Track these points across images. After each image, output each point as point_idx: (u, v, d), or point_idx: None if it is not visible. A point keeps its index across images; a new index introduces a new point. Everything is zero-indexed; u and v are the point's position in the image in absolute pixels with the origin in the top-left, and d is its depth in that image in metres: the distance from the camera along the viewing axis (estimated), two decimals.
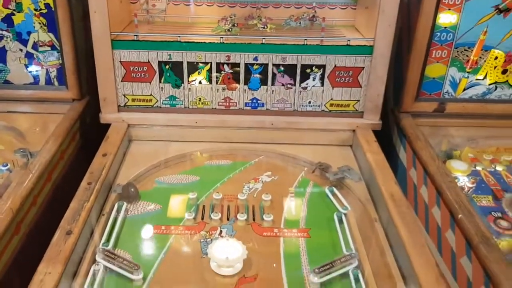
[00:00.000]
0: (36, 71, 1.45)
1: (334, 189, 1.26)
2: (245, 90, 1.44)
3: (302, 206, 1.22)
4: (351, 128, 1.47)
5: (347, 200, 1.21)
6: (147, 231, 1.10)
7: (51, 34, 1.41)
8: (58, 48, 1.42)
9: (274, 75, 1.42)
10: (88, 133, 1.52)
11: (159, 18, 1.56)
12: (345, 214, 1.16)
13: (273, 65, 1.41)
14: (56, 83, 1.47)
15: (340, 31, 1.52)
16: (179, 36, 1.37)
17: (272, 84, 1.43)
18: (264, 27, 1.45)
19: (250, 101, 1.45)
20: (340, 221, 1.15)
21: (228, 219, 1.13)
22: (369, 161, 1.30)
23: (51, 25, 1.39)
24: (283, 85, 1.44)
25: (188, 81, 1.42)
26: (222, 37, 1.38)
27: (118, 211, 1.14)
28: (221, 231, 1.09)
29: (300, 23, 1.48)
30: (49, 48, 1.43)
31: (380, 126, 1.47)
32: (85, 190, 1.12)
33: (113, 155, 1.28)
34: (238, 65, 1.40)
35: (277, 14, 1.54)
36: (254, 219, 1.14)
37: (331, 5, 1.56)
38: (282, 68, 1.41)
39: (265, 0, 1.53)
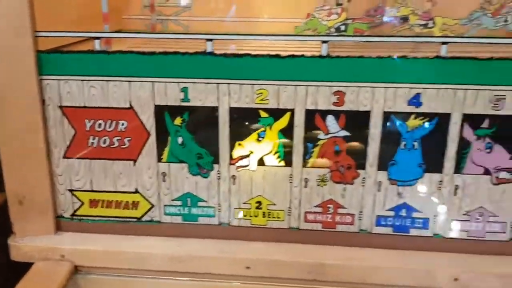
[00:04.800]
0: None
1: None
2: (380, 183, 0.54)
3: None
4: None
5: None
6: None
7: None
8: None
9: (465, 145, 0.51)
10: None
11: (176, 23, 0.73)
12: None
13: (464, 119, 0.51)
14: None
15: None
16: (210, 39, 0.51)
17: (459, 169, 0.53)
18: (426, 25, 0.57)
19: (393, 214, 0.55)
20: None
21: None
22: None
23: None
24: (487, 173, 0.52)
25: (231, 158, 0.54)
26: (326, 42, 0.50)
27: None
28: None
29: (507, 20, 0.60)
30: None
31: None
32: None
33: None
34: (363, 116, 0.51)
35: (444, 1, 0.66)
36: None
37: None
38: (489, 128, 0.51)
39: None
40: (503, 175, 0.53)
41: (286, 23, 0.71)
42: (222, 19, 0.75)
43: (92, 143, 0.57)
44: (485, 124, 0.51)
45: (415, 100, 0.51)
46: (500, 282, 0.53)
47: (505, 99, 0.50)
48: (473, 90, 0.50)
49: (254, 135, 0.55)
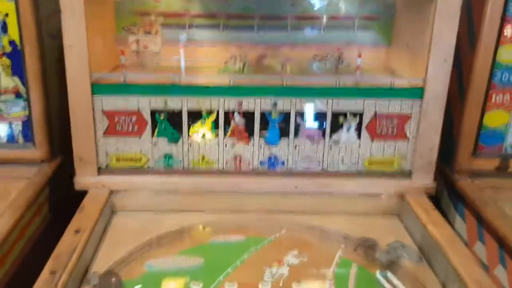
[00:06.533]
0: None
1: (389, 274, 0.92)
2: (261, 145, 1.13)
3: None
4: (397, 193, 1.14)
5: None
6: None
7: (16, 78, 1.12)
8: (25, 96, 1.13)
9: (298, 125, 1.12)
10: (61, 204, 1.18)
11: (152, 62, 1.26)
12: None
13: (297, 112, 1.11)
14: (21, 139, 1.16)
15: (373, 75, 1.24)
16: (179, 77, 1.08)
17: (295, 136, 1.12)
18: (283, 67, 1.16)
19: (267, 160, 1.14)
20: None
21: None
22: (433, 236, 0.96)
23: (17, 67, 1.10)
24: (309, 138, 1.13)
25: (189, 134, 1.12)
26: (231, 79, 1.09)
27: None
28: None
29: (325, 64, 1.20)
30: (13, 96, 1.13)
31: (434, 189, 1.15)
32: (45, 282, 0.78)
33: (89, 232, 0.94)
34: (252, 113, 1.10)
35: (295, 55, 1.25)
36: None
37: (360, 45, 1.28)
38: (308, 117, 1.11)
39: (279, 40, 1.25)
40: (316, 139, 1.14)
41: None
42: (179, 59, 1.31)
43: (118, 128, 1.12)
44: (305, 117, 1.12)
45: (274, 105, 1.11)
46: (316, 186, 1.14)
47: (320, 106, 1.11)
48: (300, 100, 1.11)
49: (200, 123, 1.13)
